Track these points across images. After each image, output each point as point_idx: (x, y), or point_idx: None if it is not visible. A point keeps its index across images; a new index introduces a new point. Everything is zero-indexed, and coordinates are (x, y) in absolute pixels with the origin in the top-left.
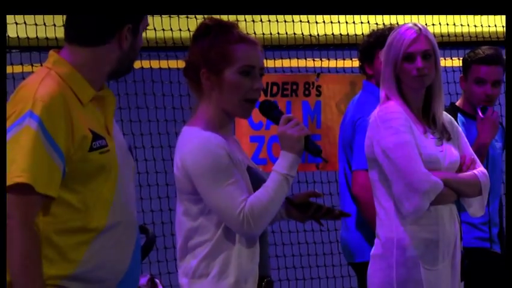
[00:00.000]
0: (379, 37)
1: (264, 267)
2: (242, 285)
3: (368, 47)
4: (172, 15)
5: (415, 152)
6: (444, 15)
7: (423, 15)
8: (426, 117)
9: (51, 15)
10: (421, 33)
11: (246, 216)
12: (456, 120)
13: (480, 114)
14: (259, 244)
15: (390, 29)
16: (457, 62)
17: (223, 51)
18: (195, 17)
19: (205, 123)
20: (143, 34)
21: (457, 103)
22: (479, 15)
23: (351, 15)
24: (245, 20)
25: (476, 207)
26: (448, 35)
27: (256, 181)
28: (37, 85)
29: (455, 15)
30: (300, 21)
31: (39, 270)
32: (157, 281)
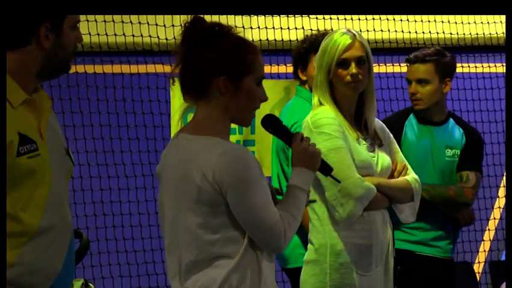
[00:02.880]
0: (313, 43)
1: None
2: None
3: (302, 53)
4: (107, 21)
5: (348, 158)
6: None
7: (358, 21)
8: (358, 123)
9: None
10: (356, 39)
11: (284, 230)
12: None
13: None
14: None
15: (323, 34)
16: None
17: (245, 60)
18: (131, 22)
19: (221, 131)
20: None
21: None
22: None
23: (286, 21)
24: (180, 25)
25: (407, 213)
26: (382, 41)
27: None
28: None
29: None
30: (236, 26)
31: None
32: (91, 285)
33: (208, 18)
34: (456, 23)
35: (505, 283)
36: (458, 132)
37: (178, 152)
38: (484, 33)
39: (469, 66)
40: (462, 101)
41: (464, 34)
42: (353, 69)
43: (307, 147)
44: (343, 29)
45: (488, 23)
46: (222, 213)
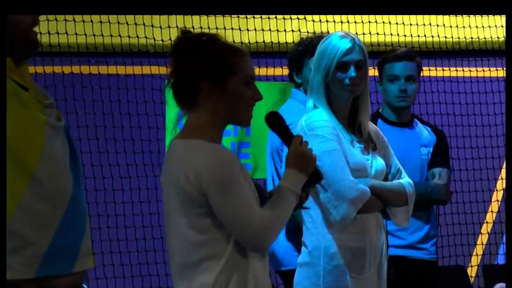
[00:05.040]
0: (308, 46)
1: (270, 276)
2: None
3: (297, 56)
4: (103, 22)
5: (342, 160)
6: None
7: (354, 24)
8: (352, 126)
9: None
10: (355, 43)
11: (262, 229)
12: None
13: None
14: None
15: (319, 37)
16: None
17: (226, 63)
18: (126, 23)
19: (208, 136)
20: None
21: (380, 110)
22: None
23: (282, 23)
24: (176, 27)
25: (401, 218)
26: (378, 45)
27: (258, 191)
28: None
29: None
30: (232, 28)
31: None
32: (85, 286)
33: (204, 19)
34: (451, 26)
35: (497, 285)
36: (425, 131)
37: (170, 158)
38: (478, 37)
39: (463, 70)
40: (456, 104)
41: (459, 38)
42: (352, 72)
43: (306, 151)
44: (341, 32)
45: (483, 27)
46: (207, 214)
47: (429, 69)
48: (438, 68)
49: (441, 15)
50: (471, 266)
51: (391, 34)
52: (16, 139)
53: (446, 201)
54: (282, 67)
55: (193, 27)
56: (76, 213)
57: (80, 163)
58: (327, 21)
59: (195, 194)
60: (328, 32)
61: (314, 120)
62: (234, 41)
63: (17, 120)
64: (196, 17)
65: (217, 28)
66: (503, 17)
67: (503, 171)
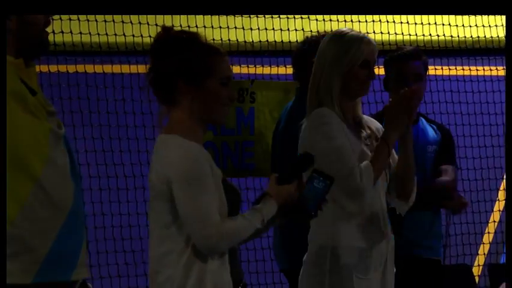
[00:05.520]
0: (313, 45)
1: (237, 272)
2: None
3: (302, 54)
4: (107, 21)
5: (348, 157)
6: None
7: (358, 23)
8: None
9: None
10: (374, 43)
11: (218, 233)
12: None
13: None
14: (231, 251)
15: (324, 36)
16: None
17: (204, 63)
18: (131, 22)
19: (184, 132)
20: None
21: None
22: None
23: (286, 22)
24: (180, 26)
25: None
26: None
27: (229, 192)
28: None
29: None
30: (235, 27)
31: None
32: (90, 285)
33: (208, 18)
34: (457, 25)
35: (503, 284)
36: (431, 129)
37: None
38: (485, 36)
39: (470, 69)
40: (462, 103)
41: (465, 37)
42: (372, 71)
43: (293, 194)
44: (354, 31)
45: (489, 26)
46: (172, 210)
47: (436, 68)
48: (444, 67)
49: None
50: (478, 266)
51: (395, 33)
52: (22, 144)
53: (452, 197)
54: (286, 66)
55: (196, 26)
56: (76, 222)
57: (79, 173)
58: (330, 20)
59: (162, 188)
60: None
61: (320, 116)
62: (237, 40)
63: (24, 125)
64: (199, 16)
65: (220, 27)
66: None
67: None
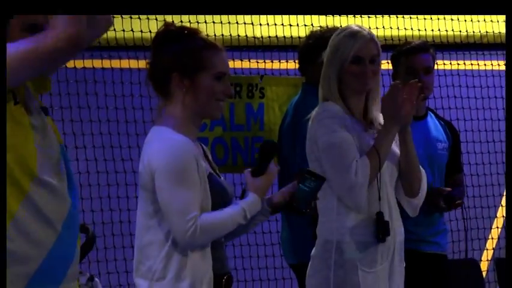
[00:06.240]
0: (319, 39)
1: (222, 265)
2: (198, 286)
3: (308, 49)
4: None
5: (347, 152)
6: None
7: (368, 18)
8: (365, 120)
9: None
10: (372, 38)
11: (195, 227)
12: None
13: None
14: (217, 246)
15: (330, 30)
16: None
17: (199, 58)
18: (139, 18)
19: (175, 124)
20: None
21: None
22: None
23: (294, 18)
24: (189, 22)
25: (410, 208)
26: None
27: (216, 188)
28: None
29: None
30: (244, 22)
31: None
32: (97, 280)
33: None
34: (465, 20)
35: None
36: (439, 126)
37: None
38: (493, 31)
39: (478, 64)
40: (470, 98)
41: (474, 32)
42: (367, 66)
43: (270, 181)
44: (355, 26)
45: (498, 21)
46: (156, 200)
47: (444, 63)
48: (452, 62)
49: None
50: (487, 260)
51: (405, 28)
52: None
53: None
54: (294, 61)
55: (205, 21)
56: (69, 237)
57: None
58: (339, 15)
59: (147, 178)
60: (341, 25)
61: (324, 111)
62: (246, 35)
63: (9, 139)
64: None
65: (229, 23)
66: None
67: None
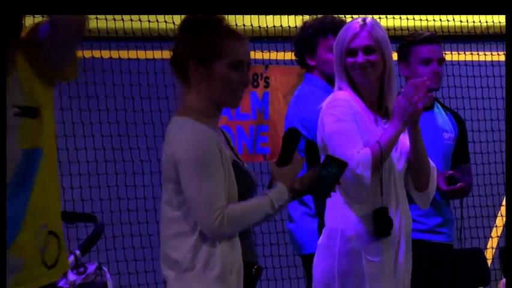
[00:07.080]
0: (317, 27)
1: (252, 255)
2: (227, 276)
3: (308, 38)
4: None
5: (354, 139)
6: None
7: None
8: (380, 108)
9: None
10: (364, 28)
11: (222, 217)
12: None
13: (443, 186)
14: (246, 233)
15: (325, 17)
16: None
17: (213, 45)
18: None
19: (196, 113)
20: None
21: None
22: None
23: None
24: None
25: (421, 201)
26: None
27: (241, 175)
28: None
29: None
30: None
31: None
32: (105, 268)
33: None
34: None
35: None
36: (446, 116)
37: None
38: (500, 21)
39: (484, 54)
40: (473, 88)
41: (475, 22)
42: (359, 58)
43: (296, 170)
44: (358, 18)
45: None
46: (181, 192)
47: (448, 53)
48: (454, 52)
49: None
50: (492, 248)
51: (407, 19)
52: None
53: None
54: None
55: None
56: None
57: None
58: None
59: (171, 170)
60: (344, 16)
61: (333, 100)
62: (252, 25)
63: None
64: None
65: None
66: None
67: None
